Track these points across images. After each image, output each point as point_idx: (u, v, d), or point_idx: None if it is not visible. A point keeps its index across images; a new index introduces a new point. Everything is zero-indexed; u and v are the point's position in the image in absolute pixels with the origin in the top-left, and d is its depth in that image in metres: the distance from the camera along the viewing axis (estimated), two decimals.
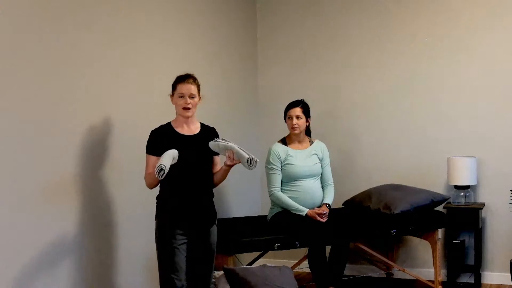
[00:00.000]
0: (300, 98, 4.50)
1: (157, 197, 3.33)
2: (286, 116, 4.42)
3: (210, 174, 3.39)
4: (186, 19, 4.41)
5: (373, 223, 4.44)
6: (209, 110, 4.33)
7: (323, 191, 4.43)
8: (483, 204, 4.80)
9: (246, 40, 5.38)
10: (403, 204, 4.38)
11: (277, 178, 4.32)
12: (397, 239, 5.08)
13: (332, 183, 4.48)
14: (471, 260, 4.80)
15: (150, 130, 3.32)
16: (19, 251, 2.89)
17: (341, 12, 5.27)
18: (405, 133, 5.09)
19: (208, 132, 3.41)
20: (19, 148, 2.90)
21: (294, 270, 4.21)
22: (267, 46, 5.52)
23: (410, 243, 5.10)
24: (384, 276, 5.12)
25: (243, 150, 3.22)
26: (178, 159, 3.16)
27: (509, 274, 4.54)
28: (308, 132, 4.53)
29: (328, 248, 4.24)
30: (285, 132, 4.53)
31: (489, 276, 4.87)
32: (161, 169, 3.00)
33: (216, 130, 3.50)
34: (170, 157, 3.09)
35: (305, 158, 4.38)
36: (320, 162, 4.44)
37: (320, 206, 4.31)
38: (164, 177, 3.03)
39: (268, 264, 3.85)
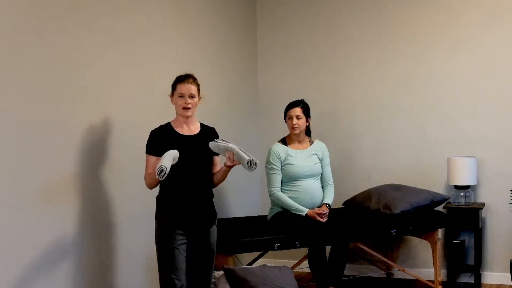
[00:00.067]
0: (300, 98, 4.50)
1: (157, 197, 3.33)
2: (286, 116, 4.42)
3: (210, 174, 3.39)
4: (186, 19, 4.41)
5: (373, 223, 4.44)
6: (209, 110, 4.33)
7: (323, 191, 4.43)
8: (483, 204, 4.80)
9: (246, 40, 5.38)
10: (403, 204, 4.38)
11: (277, 178, 4.32)
12: (397, 239, 5.08)
13: (332, 183, 4.48)
14: (471, 260, 4.80)
15: (150, 130, 3.32)
16: (19, 251, 2.89)
17: (341, 12, 5.27)
18: (405, 133, 5.09)
19: (208, 132, 3.41)
20: (19, 148, 2.89)
21: (294, 270, 4.21)
22: (267, 46, 5.52)
23: (410, 243, 5.10)
24: (384, 276, 5.12)
25: (243, 152, 3.21)
26: (178, 159, 3.15)
27: (509, 274, 4.54)
28: (308, 132, 4.53)
29: (328, 248, 4.24)
30: (285, 132, 4.53)
31: (489, 276, 4.87)
32: (162, 170, 2.99)
33: (216, 130, 3.50)
34: (170, 157, 3.09)
35: (305, 158, 4.38)
36: (320, 162, 4.44)
37: (320, 206, 4.31)
38: (165, 178, 3.03)
39: (268, 264, 3.85)
